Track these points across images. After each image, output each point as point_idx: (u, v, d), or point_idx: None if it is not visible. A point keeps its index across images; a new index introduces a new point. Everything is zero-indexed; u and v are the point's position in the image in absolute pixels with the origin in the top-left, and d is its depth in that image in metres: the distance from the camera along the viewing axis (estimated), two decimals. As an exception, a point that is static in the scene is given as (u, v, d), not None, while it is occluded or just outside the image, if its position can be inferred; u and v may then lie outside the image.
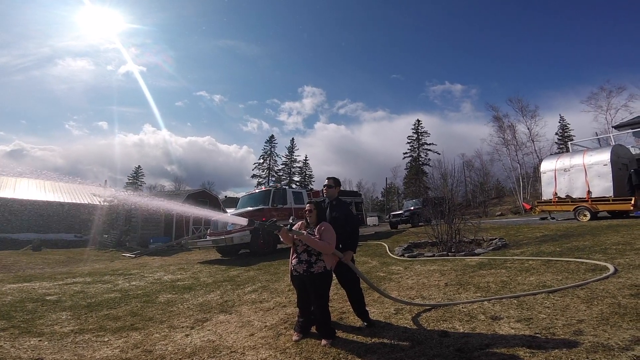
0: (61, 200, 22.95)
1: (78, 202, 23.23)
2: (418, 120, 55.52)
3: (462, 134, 74.53)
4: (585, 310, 3.05)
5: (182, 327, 3.93)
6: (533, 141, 36.33)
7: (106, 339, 3.62)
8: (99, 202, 21.42)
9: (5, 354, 3.24)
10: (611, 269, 4.17)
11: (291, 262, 3.27)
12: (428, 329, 3.12)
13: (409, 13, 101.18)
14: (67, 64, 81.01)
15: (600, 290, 3.52)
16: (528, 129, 36.64)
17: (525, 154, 36.79)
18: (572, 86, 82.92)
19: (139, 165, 63.48)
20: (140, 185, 59.78)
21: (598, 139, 15.47)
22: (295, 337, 3.17)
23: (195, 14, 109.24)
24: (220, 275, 7.39)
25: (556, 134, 46.66)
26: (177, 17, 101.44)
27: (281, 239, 3.31)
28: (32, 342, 3.55)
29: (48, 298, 5.69)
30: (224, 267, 8.56)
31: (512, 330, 2.83)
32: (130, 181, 59.87)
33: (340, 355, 2.74)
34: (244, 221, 3.80)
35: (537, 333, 2.70)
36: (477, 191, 46.81)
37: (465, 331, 2.96)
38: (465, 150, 73.23)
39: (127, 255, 14.16)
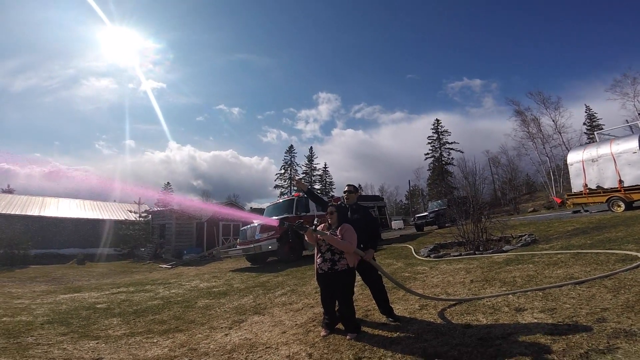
0: (100, 217, 24.52)
1: (115, 218, 24.69)
2: (437, 120, 54.30)
3: (485, 130, 72.10)
4: (610, 299, 3.06)
5: (221, 327, 4.25)
6: (560, 133, 34.79)
7: (155, 340, 3.99)
8: (135, 218, 22.69)
9: (70, 355, 3.66)
10: (642, 258, 4.08)
11: (316, 262, 3.51)
12: (452, 322, 3.24)
13: (418, 14, 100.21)
14: (91, 84, 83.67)
15: (628, 279, 3.48)
16: (553, 120, 35.17)
17: (553, 146, 35.23)
18: (597, 74, 77.90)
19: (168, 182, 66.27)
20: (171, 201, 62.21)
21: (629, 126, 14.65)
22: (323, 333, 3.40)
23: (206, 30, 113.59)
24: (251, 281, 7.74)
25: (584, 124, 44.36)
26: (189, 34, 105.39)
27: (306, 239, 3.59)
28: (91, 345, 3.96)
29: (98, 306, 6.23)
30: (255, 274, 8.92)
31: (535, 320, 2.90)
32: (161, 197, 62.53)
33: (366, 347, 2.93)
34: (275, 222, 4.48)
35: (560, 322, 2.77)
36: (507, 188, 45.11)
37: (489, 322, 3.05)
38: (491, 146, 70.86)
39: (164, 266, 14.93)
